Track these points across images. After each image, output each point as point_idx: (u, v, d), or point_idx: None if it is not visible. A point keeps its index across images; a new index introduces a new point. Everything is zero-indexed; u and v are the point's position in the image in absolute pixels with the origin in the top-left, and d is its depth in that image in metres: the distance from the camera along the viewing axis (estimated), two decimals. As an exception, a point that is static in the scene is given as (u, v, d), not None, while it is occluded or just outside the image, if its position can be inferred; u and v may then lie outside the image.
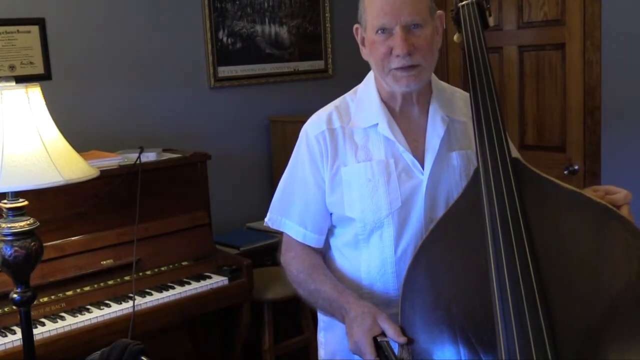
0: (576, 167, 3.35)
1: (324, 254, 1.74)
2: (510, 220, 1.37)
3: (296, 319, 3.35)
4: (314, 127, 1.68)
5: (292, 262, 1.71)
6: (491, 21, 1.66)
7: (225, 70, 3.72)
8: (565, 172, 3.35)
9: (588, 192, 1.43)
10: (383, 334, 1.44)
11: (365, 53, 1.63)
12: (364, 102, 1.67)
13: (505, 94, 3.61)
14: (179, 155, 3.14)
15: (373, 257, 1.62)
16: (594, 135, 3.28)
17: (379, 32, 1.53)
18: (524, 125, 3.57)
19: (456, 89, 1.76)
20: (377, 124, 1.63)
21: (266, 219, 1.77)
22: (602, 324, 1.30)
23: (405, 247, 1.59)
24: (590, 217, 1.36)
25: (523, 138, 3.57)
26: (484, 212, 1.40)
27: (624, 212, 1.40)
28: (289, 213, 1.71)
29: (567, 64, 3.34)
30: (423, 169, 1.60)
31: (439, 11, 1.60)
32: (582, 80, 3.29)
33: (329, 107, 1.72)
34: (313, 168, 1.66)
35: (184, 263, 2.98)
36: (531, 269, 1.33)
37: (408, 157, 1.61)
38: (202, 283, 2.89)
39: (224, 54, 3.71)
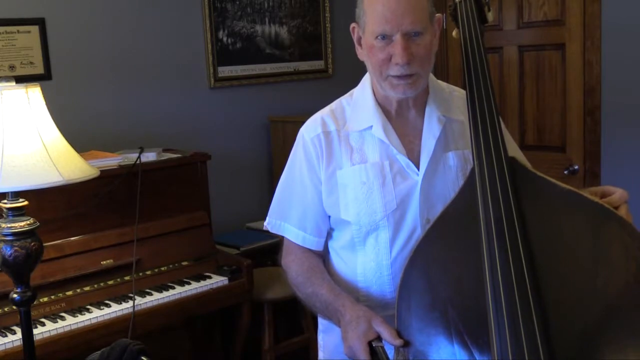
0: (576, 167, 3.35)
1: (323, 257, 1.74)
2: (505, 222, 1.36)
3: (296, 319, 3.35)
4: (309, 130, 1.68)
5: (291, 265, 1.71)
6: (490, 16, 1.65)
7: (225, 70, 3.72)
8: (565, 172, 3.35)
9: (585, 193, 1.41)
10: (378, 338, 1.43)
11: (361, 54, 1.62)
12: (360, 104, 1.67)
13: (505, 94, 3.61)
14: (179, 155, 3.14)
15: (369, 259, 1.62)
16: (594, 135, 3.28)
17: (379, 38, 1.51)
18: (524, 125, 3.57)
19: (455, 87, 1.76)
20: (372, 126, 1.62)
21: (265, 223, 1.77)
22: (599, 326, 1.29)
23: (401, 249, 1.59)
24: (588, 217, 1.35)
25: (523, 138, 3.56)
26: (479, 213, 1.39)
27: (622, 211, 1.39)
28: (288, 217, 1.71)
29: (567, 64, 3.34)
30: (419, 170, 1.60)
31: (437, 15, 1.59)
32: (582, 80, 3.29)
33: (325, 111, 1.72)
34: (310, 171, 1.66)
35: (184, 263, 2.98)
36: (525, 272, 1.32)
37: (402, 159, 1.60)
38: (202, 283, 2.89)
39: (224, 54, 3.71)
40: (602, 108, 3.24)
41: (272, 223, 1.75)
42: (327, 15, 4.13)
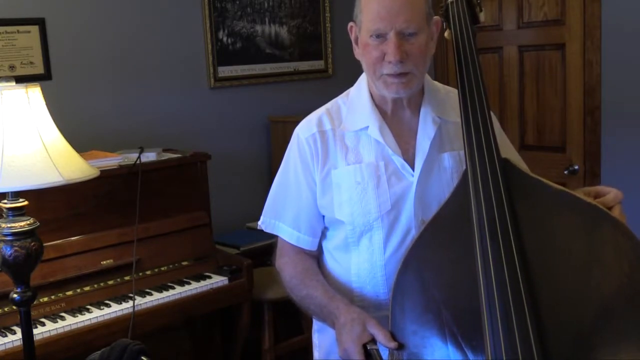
0: (576, 167, 3.35)
1: (318, 257, 1.74)
2: (498, 223, 1.36)
3: (296, 319, 3.35)
4: (304, 129, 1.68)
5: (284, 268, 1.72)
6: (482, 17, 1.64)
7: (225, 70, 3.72)
8: (565, 172, 3.35)
9: (579, 194, 1.41)
10: (373, 340, 1.43)
11: (358, 53, 1.62)
12: (356, 104, 1.67)
13: (505, 94, 3.62)
14: (179, 155, 3.15)
15: (363, 260, 1.62)
16: (594, 135, 3.28)
17: (373, 36, 1.52)
18: (524, 125, 3.57)
19: (451, 89, 1.75)
20: (368, 126, 1.62)
21: (259, 222, 1.77)
22: (593, 326, 1.29)
23: (395, 250, 1.59)
24: (581, 217, 1.35)
25: (523, 138, 3.57)
26: (472, 215, 1.39)
27: (616, 212, 1.39)
28: (282, 216, 1.71)
29: (567, 64, 3.34)
30: (414, 171, 1.60)
31: (435, 17, 1.59)
32: (582, 80, 3.29)
33: (321, 110, 1.71)
34: (305, 170, 1.66)
35: (184, 263, 2.99)
36: (519, 273, 1.32)
37: (398, 160, 1.60)
38: (202, 283, 2.89)
39: (224, 54, 3.71)
40: (602, 108, 3.23)
41: (266, 222, 1.76)
42: (327, 15, 4.13)
